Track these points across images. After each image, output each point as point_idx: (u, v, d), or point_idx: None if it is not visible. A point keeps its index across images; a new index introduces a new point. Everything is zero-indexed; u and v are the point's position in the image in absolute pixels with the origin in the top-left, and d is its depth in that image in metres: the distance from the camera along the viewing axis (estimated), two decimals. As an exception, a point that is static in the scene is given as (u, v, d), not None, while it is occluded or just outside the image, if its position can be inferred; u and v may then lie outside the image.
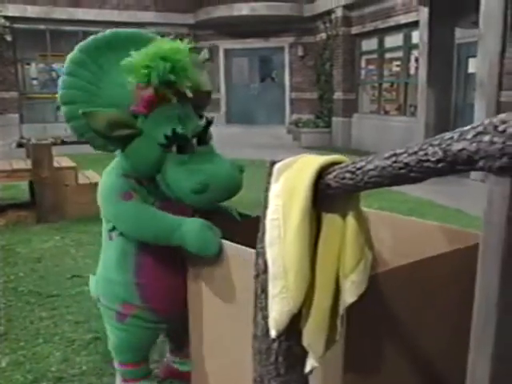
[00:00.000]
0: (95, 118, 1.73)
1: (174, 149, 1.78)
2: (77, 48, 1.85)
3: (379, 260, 1.85)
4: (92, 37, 1.87)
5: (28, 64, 14.40)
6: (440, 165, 0.81)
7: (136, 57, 1.75)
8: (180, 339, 2.27)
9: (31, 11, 13.60)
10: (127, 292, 1.95)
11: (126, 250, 1.93)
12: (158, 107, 1.77)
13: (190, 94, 1.75)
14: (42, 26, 13.85)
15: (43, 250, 4.30)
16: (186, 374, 2.29)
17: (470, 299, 1.69)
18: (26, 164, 5.46)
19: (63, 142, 11.37)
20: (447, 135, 0.81)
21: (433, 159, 0.82)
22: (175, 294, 1.98)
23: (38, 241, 4.58)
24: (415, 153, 0.85)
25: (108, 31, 1.90)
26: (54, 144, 6.45)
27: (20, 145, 11.67)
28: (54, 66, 14.10)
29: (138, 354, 2.09)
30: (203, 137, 1.86)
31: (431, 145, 0.83)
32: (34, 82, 14.69)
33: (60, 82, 1.83)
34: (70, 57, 1.84)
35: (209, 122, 1.87)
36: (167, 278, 1.96)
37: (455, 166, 0.79)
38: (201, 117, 1.92)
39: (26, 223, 5.13)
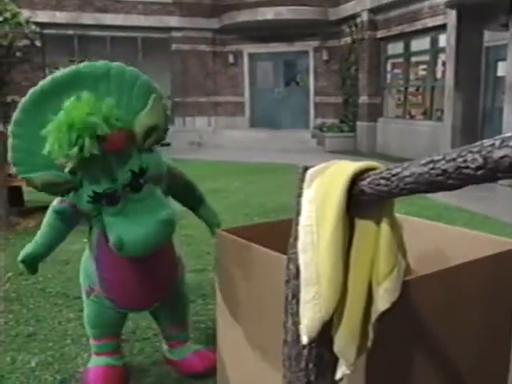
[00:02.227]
0: (31, 183, 1.91)
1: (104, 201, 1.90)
2: (19, 106, 1.92)
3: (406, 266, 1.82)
4: (31, 90, 1.97)
5: (56, 68, 14.60)
6: (480, 172, 0.80)
7: (50, 126, 1.80)
8: (162, 325, 2.45)
9: (60, 17, 13.85)
10: (92, 278, 2.22)
11: (92, 242, 2.21)
12: (86, 163, 1.81)
13: (97, 152, 1.78)
14: (70, 32, 14.09)
15: (71, 253, 4.34)
16: (172, 361, 2.44)
17: (501, 307, 1.66)
18: (55, 167, 5.53)
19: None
20: (487, 142, 0.79)
21: (472, 166, 0.80)
22: (133, 288, 2.16)
23: (66, 243, 4.57)
24: (453, 159, 0.84)
25: (49, 78, 2.04)
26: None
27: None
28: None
29: (101, 331, 2.32)
30: (134, 185, 1.91)
31: (470, 151, 0.81)
32: (62, 87, 14.95)
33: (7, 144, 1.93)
34: (13, 117, 1.92)
35: (135, 173, 1.90)
36: (123, 273, 2.13)
37: (496, 173, 0.78)
38: (158, 146, 1.99)
39: (53, 225, 5.20)
